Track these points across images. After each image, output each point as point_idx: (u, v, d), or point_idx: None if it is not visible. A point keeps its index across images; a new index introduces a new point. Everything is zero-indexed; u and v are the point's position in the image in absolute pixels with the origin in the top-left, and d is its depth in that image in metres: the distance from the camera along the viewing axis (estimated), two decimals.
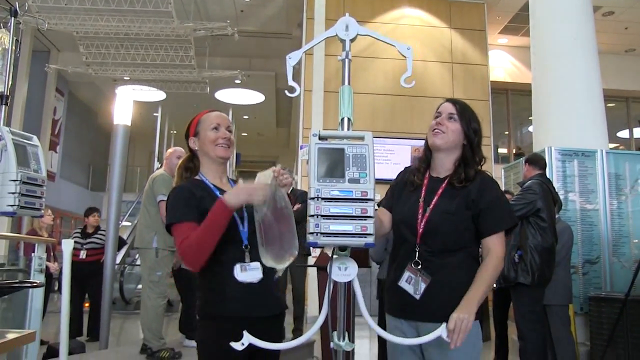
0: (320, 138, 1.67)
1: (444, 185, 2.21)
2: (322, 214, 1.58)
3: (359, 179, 1.61)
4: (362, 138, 1.68)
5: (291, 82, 1.98)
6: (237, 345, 1.74)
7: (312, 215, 1.58)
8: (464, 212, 2.14)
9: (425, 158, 2.33)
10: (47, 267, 5.26)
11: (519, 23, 13.32)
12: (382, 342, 4.67)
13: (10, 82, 3.08)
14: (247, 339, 1.74)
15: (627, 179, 6.44)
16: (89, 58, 13.35)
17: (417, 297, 2.11)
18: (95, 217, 7.50)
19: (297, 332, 6.41)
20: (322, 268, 4.26)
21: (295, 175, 10.48)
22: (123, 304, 10.60)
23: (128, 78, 14.68)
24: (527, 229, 4.59)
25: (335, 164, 1.63)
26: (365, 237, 1.58)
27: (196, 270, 2.08)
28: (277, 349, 2.09)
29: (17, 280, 4.76)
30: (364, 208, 1.59)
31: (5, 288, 3.11)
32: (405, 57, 1.97)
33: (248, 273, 2.13)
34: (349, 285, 1.74)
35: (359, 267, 1.72)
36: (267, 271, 2.19)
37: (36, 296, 4.62)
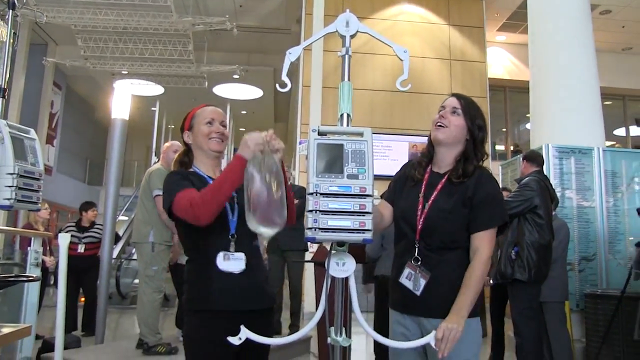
0: (320, 134, 1.67)
1: (443, 181, 2.20)
2: (321, 209, 1.58)
3: (358, 174, 1.62)
4: (361, 134, 1.68)
5: (284, 77, 1.98)
6: (235, 340, 1.74)
7: (311, 211, 1.58)
8: (460, 210, 2.12)
9: (427, 152, 2.32)
10: (42, 261, 5.24)
11: (517, 20, 13.32)
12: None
13: (7, 75, 3.06)
14: (245, 333, 1.73)
15: (624, 176, 6.45)
16: (87, 52, 13.32)
17: (417, 293, 2.11)
18: (94, 211, 7.49)
19: (294, 327, 6.42)
20: (320, 264, 4.25)
21: (293, 170, 10.48)
22: (119, 298, 10.60)
23: (126, 72, 14.65)
24: (524, 225, 4.60)
25: (334, 160, 1.63)
26: (364, 232, 1.58)
27: (204, 223, 2.04)
28: (273, 344, 2.08)
29: (12, 274, 4.75)
30: (363, 204, 1.59)
31: (1, 282, 3.10)
32: (402, 60, 1.97)
33: (230, 262, 2.13)
34: (346, 280, 1.74)
35: (356, 263, 1.72)
36: (253, 264, 2.19)
37: (32, 290, 4.62)
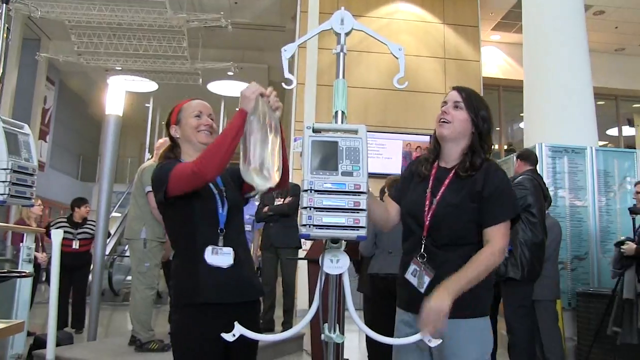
0: (314, 131, 1.68)
1: (450, 175, 2.16)
2: (315, 206, 1.59)
3: (352, 171, 1.62)
4: (355, 131, 1.68)
5: (287, 75, 1.98)
6: (228, 337, 1.74)
7: (305, 208, 1.59)
8: (469, 205, 2.08)
9: (433, 149, 2.28)
10: (35, 257, 5.23)
11: (511, 20, 13.34)
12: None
13: (0, 70, 3.05)
14: (239, 330, 1.74)
15: (616, 176, 6.48)
16: (80, 47, 13.27)
17: (422, 290, 2.08)
18: (87, 208, 7.47)
19: (287, 325, 6.42)
20: (313, 261, 4.26)
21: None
22: (112, 295, 10.59)
23: (120, 68, 14.61)
24: (517, 224, 4.61)
25: (328, 157, 1.63)
26: (358, 229, 1.59)
27: (210, 178, 2.06)
28: (267, 341, 2.09)
29: (4, 270, 4.74)
30: (357, 201, 1.60)
31: None
32: (397, 57, 1.97)
33: (219, 257, 2.13)
34: (340, 277, 1.75)
35: (350, 259, 1.72)
36: (241, 257, 2.19)
37: (24, 286, 4.61)
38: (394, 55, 1.96)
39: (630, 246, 4.82)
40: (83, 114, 20.35)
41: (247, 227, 7.14)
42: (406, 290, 2.17)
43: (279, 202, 6.48)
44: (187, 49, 13.39)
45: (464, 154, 2.18)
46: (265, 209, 6.52)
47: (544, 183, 4.99)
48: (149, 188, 4.81)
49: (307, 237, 1.60)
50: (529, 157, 5.03)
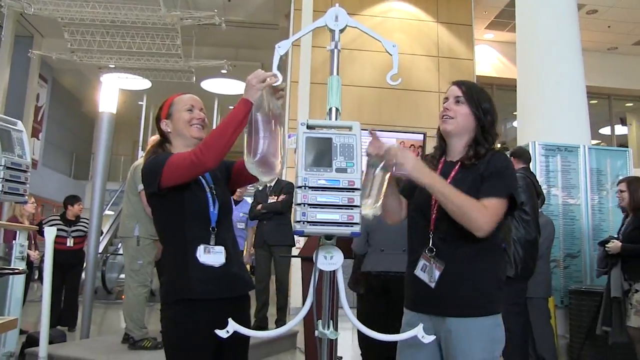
0: (308, 127, 1.68)
1: (456, 168, 2.15)
2: (309, 202, 1.58)
3: (346, 168, 1.62)
4: (349, 128, 1.68)
5: (275, 71, 1.98)
6: (222, 333, 1.74)
7: (299, 204, 1.58)
8: (474, 195, 2.04)
9: (439, 146, 2.28)
10: (27, 255, 5.21)
11: (505, 19, 13.37)
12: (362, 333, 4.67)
13: None
14: (232, 326, 1.73)
15: (609, 174, 6.50)
16: (73, 45, 13.22)
17: (432, 285, 2.06)
18: (80, 205, 7.46)
19: (280, 322, 6.43)
20: (307, 259, 4.26)
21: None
22: (105, 293, 10.57)
23: (113, 66, 14.57)
24: (510, 222, 4.62)
25: (322, 153, 1.63)
26: (352, 226, 1.59)
27: (209, 166, 2.04)
28: (261, 338, 2.09)
29: None
30: (351, 197, 1.60)
31: None
32: (391, 54, 1.97)
33: (211, 256, 2.13)
34: (334, 274, 1.75)
35: (344, 257, 1.72)
36: (232, 254, 2.20)
37: (17, 284, 4.59)
38: (388, 52, 1.96)
39: (615, 244, 4.82)
40: (76, 112, 20.29)
41: (241, 225, 7.15)
42: (413, 289, 2.17)
43: (272, 199, 6.48)
44: (180, 46, 13.37)
45: (469, 146, 2.18)
46: (259, 206, 6.52)
47: (537, 181, 5.00)
48: (142, 186, 4.81)
49: (301, 234, 1.59)
50: (522, 155, 5.04)
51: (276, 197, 6.46)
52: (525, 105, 7.11)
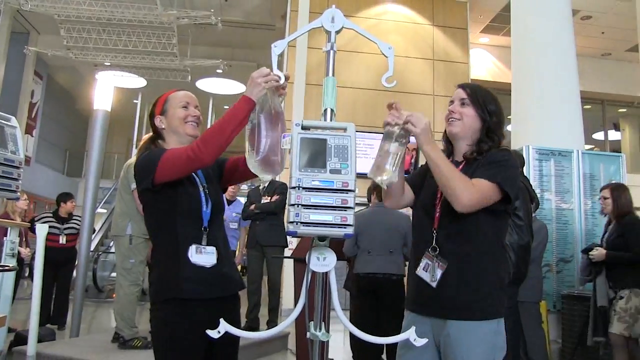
0: (303, 128, 1.67)
1: (461, 167, 2.15)
2: (303, 203, 1.58)
3: (341, 169, 1.62)
4: (344, 129, 1.68)
5: (276, 71, 1.97)
6: (213, 333, 1.73)
7: (293, 205, 1.58)
8: None
9: (446, 148, 2.29)
10: (18, 252, 5.19)
11: (500, 23, 13.41)
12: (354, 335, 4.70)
13: None
14: (224, 326, 1.73)
15: (602, 179, 6.51)
16: (69, 42, 13.19)
17: (434, 284, 2.06)
18: (72, 203, 7.43)
19: (272, 323, 6.42)
20: (299, 260, 4.26)
21: None
22: (96, 291, 10.54)
23: (109, 64, 14.54)
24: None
25: (317, 154, 1.63)
26: (345, 227, 1.59)
27: (207, 162, 2.02)
28: (252, 339, 2.08)
29: None
30: (345, 199, 1.60)
31: None
32: (386, 56, 1.97)
33: (202, 256, 2.11)
34: (327, 275, 1.75)
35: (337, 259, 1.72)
36: (222, 254, 2.18)
37: (6, 281, 4.57)
38: (383, 54, 1.97)
39: (600, 252, 4.83)
40: (70, 109, 20.25)
41: (234, 225, 7.13)
42: (414, 290, 2.17)
43: (265, 200, 6.47)
44: (176, 45, 13.36)
45: (473, 144, 2.19)
46: (252, 206, 6.51)
47: (531, 185, 5.01)
48: (134, 185, 4.79)
49: (295, 235, 1.59)
50: (516, 159, 5.04)
51: (269, 198, 6.45)
52: (519, 109, 7.13)
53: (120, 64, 14.26)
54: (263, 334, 2.15)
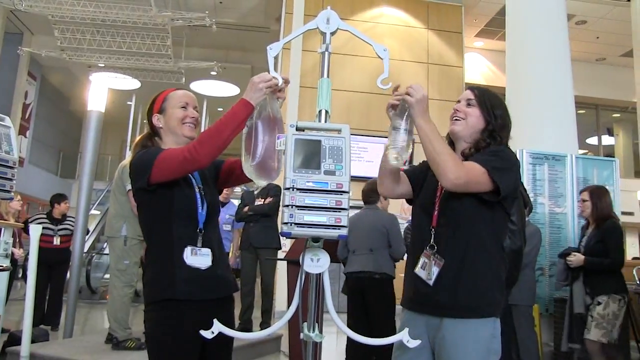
0: (298, 129, 1.68)
1: None
2: (297, 204, 1.58)
3: (335, 171, 1.62)
4: (339, 130, 1.69)
5: (273, 73, 1.97)
6: (207, 334, 1.73)
7: (287, 206, 1.59)
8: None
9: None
10: (11, 252, 5.17)
11: (495, 27, 13.46)
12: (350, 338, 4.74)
13: None
14: (217, 327, 1.73)
15: (595, 184, 6.53)
16: (63, 43, 13.17)
17: (430, 282, 2.05)
18: (66, 204, 7.41)
19: (265, 325, 6.41)
20: (293, 262, 4.26)
21: None
22: (89, 293, 10.51)
23: (103, 65, 14.52)
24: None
25: (311, 155, 1.63)
26: (339, 229, 1.59)
27: (203, 164, 2.01)
28: (246, 339, 2.08)
29: None
30: (339, 200, 1.60)
31: None
32: (381, 58, 1.97)
33: (198, 258, 2.10)
34: (320, 277, 1.75)
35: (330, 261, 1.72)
36: (217, 256, 2.18)
37: (0, 281, 4.55)
38: (378, 56, 1.97)
39: (578, 258, 4.76)
40: (64, 110, 20.20)
41: (227, 227, 7.13)
42: (411, 288, 2.16)
43: (259, 202, 6.47)
44: (170, 47, 13.34)
45: (472, 144, 2.19)
46: (246, 208, 6.51)
47: (525, 189, 5.02)
48: (129, 186, 4.79)
49: (289, 235, 1.59)
50: None
51: (263, 200, 6.45)
52: (513, 113, 7.06)
53: (115, 65, 14.25)
54: (256, 334, 2.16)
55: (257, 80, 1.96)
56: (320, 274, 1.73)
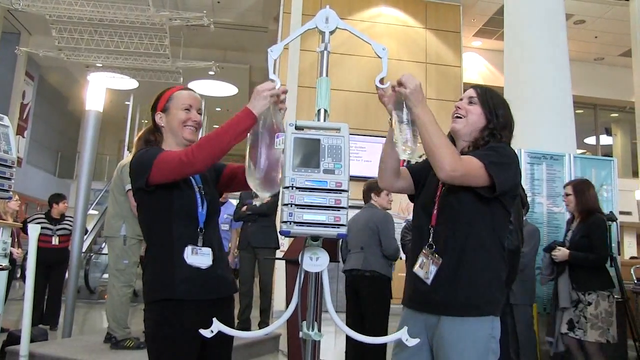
0: (297, 128, 1.68)
1: None
2: (296, 203, 1.59)
3: (334, 169, 1.62)
4: (338, 129, 1.69)
5: (272, 76, 1.97)
6: (206, 333, 1.73)
7: (286, 204, 1.59)
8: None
9: None
10: (10, 252, 5.17)
11: (493, 27, 13.47)
12: (350, 337, 4.75)
13: None
14: (217, 326, 1.73)
15: (594, 183, 6.53)
16: (61, 42, 13.15)
17: (428, 281, 2.05)
18: (65, 204, 7.41)
19: (263, 325, 6.41)
20: (291, 261, 4.26)
21: None
22: (87, 292, 10.50)
23: (101, 65, 14.50)
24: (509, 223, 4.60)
25: (310, 154, 1.63)
26: (338, 227, 1.59)
27: (199, 169, 2.01)
28: (244, 338, 2.07)
29: None
30: (338, 199, 1.60)
31: None
32: (380, 57, 1.97)
33: (198, 257, 2.10)
34: (319, 275, 1.75)
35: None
36: (217, 255, 2.18)
37: None
38: (377, 55, 1.97)
39: (563, 252, 4.70)
40: (62, 110, 20.18)
41: (225, 227, 7.13)
42: (410, 286, 2.16)
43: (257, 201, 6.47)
44: (168, 47, 13.33)
45: (471, 143, 2.18)
46: (244, 208, 6.51)
47: (523, 189, 5.02)
48: (129, 186, 4.78)
49: (288, 234, 1.59)
50: None
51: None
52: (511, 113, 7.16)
53: (112, 65, 14.23)
54: (255, 333, 2.15)
55: (261, 88, 1.95)
56: (319, 272, 1.73)
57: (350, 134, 1.70)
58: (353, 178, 1.60)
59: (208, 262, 2.12)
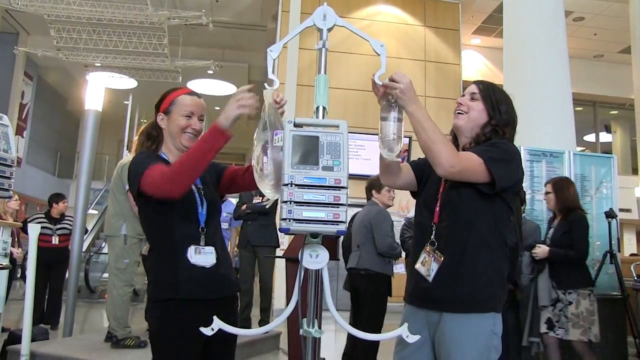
0: (295, 125, 1.68)
1: None
2: (295, 200, 1.58)
3: (333, 166, 1.62)
4: (337, 126, 1.69)
5: (271, 76, 1.96)
6: (207, 331, 1.73)
7: (285, 202, 1.58)
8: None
9: (452, 143, 2.22)
10: (10, 252, 5.17)
11: (492, 24, 13.47)
12: (351, 334, 4.78)
13: None
14: (217, 324, 1.73)
15: (593, 181, 6.53)
16: (59, 42, 13.14)
17: (430, 278, 2.04)
18: (64, 203, 7.41)
19: (264, 323, 6.41)
20: (291, 259, 4.27)
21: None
22: (88, 292, 10.51)
23: (99, 64, 14.49)
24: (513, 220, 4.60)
25: (309, 152, 1.63)
26: (338, 224, 1.59)
27: (177, 196, 1.99)
28: (245, 335, 2.07)
29: None
30: (337, 195, 1.60)
31: None
32: (378, 54, 1.97)
33: (202, 256, 2.11)
34: (319, 272, 1.75)
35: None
36: (220, 254, 2.18)
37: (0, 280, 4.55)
38: (375, 52, 1.96)
39: (542, 249, 4.66)
40: (61, 110, 20.18)
41: (224, 225, 7.13)
42: (412, 283, 2.16)
43: (257, 200, 6.47)
44: (167, 46, 13.32)
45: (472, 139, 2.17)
46: (244, 207, 6.50)
47: (522, 187, 5.01)
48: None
49: (287, 232, 1.59)
50: None
51: (261, 198, 6.45)
52: None
53: (111, 64, 14.22)
54: (256, 331, 2.15)
55: (229, 104, 1.96)
56: (319, 269, 1.73)
57: (349, 132, 1.70)
58: (352, 176, 1.59)
59: (212, 261, 2.13)
